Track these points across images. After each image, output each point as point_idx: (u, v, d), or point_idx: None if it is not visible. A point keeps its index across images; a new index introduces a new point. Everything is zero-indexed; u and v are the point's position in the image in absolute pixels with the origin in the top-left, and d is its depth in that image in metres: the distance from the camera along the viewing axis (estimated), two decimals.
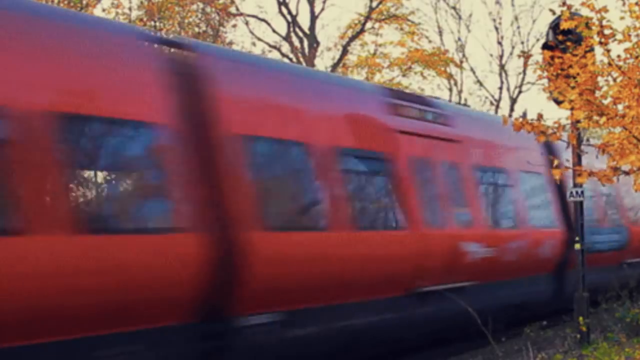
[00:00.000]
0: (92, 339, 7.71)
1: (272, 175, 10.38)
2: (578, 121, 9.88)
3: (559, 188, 15.89)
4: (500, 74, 38.23)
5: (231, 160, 9.35)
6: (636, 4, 9.16)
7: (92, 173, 8.35)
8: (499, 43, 38.24)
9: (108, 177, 8.63)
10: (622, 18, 9.27)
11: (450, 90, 38.13)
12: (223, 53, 11.64)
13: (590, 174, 9.73)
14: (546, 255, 15.44)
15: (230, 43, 30.22)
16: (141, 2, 27.74)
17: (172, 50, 9.31)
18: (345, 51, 32.87)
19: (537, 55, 10.70)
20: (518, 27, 40.05)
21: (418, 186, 12.18)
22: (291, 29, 30.80)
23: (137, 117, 8.51)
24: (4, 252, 6.98)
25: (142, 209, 8.75)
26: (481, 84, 38.98)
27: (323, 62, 44.05)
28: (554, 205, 16.09)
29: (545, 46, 11.64)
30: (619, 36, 9.13)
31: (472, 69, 42.59)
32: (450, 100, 36.08)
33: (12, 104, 7.31)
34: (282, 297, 9.53)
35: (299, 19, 30.99)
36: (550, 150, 15.25)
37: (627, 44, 9.19)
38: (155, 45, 9.16)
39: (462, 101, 37.68)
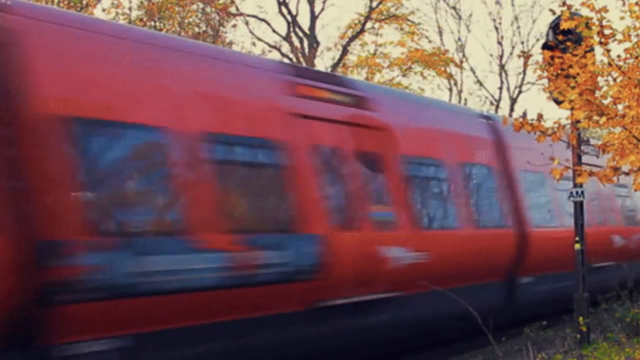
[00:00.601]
0: (472, 287, 13.28)
1: (531, 191, 16.03)
2: (578, 121, 9.88)
3: None
4: (500, 74, 38.27)
5: (516, 185, 15.43)
6: (636, 4, 9.16)
7: (469, 197, 14.24)
8: (499, 43, 38.27)
9: (479, 198, 14.68)
10: (622, 18, 9.27)
11: (450, 90, 38.16)
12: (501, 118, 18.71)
13: (591, 174, 9.74)
14: None
15: (230, 43, 30.24)
16: (141, 2, 27.76)
17: (485, 120, 15.61)
18: (345, 51, 32.88)
19: (537, 55, 10.71)
20: (518, 27, 40.07)
21: (593, 198, 18.05)
22: (291, 29, 30.80)
23: (485, 162, 14.78)
24: (450, 239, 13.29)
25: (493, 214, 14.81)
26: (481, 84, 39.02)
27: (323, 62, 44.06)
28: None
29: (545, 46, 11.63)
30: (619, 36, 9.13)
31: (472, 69, 42.65)
32: (450, 100, 36.09)
33: (447, 159, 13.66)
34: (535, 267, 15.34)
35: (299, 19, 31.03)
36: None
37: (627, 44, 9.19)
38: (482, 119, 15.61)
39: (462, 101, 37.70)
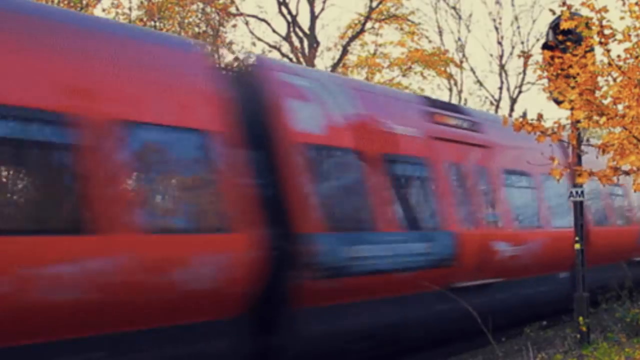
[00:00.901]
0: (549, 276, 16.72)
1: (591, 196, 17.63)
2: (578, 121, 9.88)
3: None
4: (500, 74, 38.22)
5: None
6: (636, 4, 9.17)
7: (548, 202, 17.38)
8: (499, 43, 38.23)
9: (554, 202, 17.49)
10: (622, 18, 9.27)
11: (450, 90, 38.11)
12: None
13: (591, 173, 9.74)
14: None
15: (230, 43, 30.21)
16: (141, 2, 27.72)
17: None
18: (345, 51, 32.83)
19: (537, 55, 10.71)
20: (518, 27, 40.09)
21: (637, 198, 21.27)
22: (291, 29, 30.77)
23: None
24: (536, 236, 16.37)
25: (564, 216, 16.56)
26: (481, 84, 38.97)
27: (323, 62, 44.03)
28: None
29: (545, 46, 11.63)
30: (619, 36, 9.13)
31: (472, 69, 42.63)
32: (450, 100, 36.06)
33: (532, 171, 16.07)
34: (593, 259, 16.03)
35: (299, 19, 30.98)
36: None
37: (627, 44, 9.20)
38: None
39: (462, 101, 37.69)
